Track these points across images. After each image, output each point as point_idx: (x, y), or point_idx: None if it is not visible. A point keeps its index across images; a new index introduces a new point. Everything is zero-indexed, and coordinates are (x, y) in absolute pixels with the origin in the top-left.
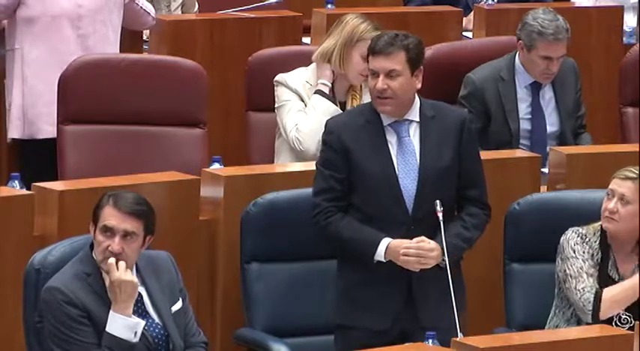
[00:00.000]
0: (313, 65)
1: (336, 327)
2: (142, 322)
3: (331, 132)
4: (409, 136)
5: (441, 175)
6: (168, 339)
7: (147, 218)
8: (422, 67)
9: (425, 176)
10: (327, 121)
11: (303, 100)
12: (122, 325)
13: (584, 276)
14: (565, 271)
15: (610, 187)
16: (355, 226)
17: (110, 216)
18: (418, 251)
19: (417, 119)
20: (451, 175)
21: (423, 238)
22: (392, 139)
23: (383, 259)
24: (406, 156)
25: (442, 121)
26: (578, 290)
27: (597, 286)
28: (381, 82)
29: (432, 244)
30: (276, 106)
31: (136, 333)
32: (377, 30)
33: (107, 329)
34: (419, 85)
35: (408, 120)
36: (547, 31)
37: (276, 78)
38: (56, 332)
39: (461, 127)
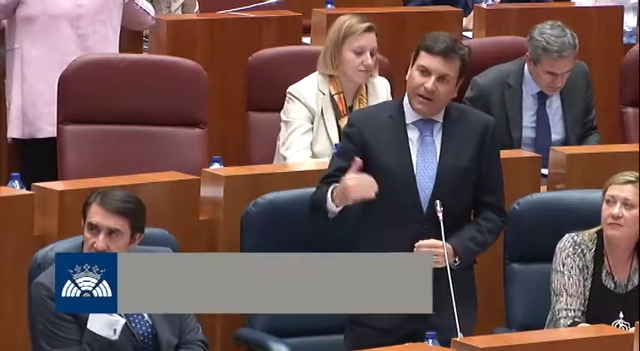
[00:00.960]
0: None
1: (347, 323)
2: (122, 320)
3: (353, 125)
4: (431, 135)
5: (459, 176)
6: (156, 336)
7: (133, 216)
8: (464, 77)
9: (443, 176)
10: (352, 113)
11: (313, 116)
12: (101, 322)
13: (564, 296)
14: (552, 283)
15: (609, 193)
16: (319, 189)
17: (95, 213)
18: (430, 250)
19: (441, 120)
20: (469, 178)
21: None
22: (414, 137)
23: (335, 208)
24: (426, 155)
25: (466, 123)
26: (557, 310)
27: (578, 312)
28: (432, 84)
29: (441, 243)
30: (283, 117)
31: (115, 330)
32: (363, 22)
33: (87, 326)
34: (455, 95)
35: (432, 120)
36: (552, 47)
37: (292, 91)
38: (42, 327)
39: (484, 131)
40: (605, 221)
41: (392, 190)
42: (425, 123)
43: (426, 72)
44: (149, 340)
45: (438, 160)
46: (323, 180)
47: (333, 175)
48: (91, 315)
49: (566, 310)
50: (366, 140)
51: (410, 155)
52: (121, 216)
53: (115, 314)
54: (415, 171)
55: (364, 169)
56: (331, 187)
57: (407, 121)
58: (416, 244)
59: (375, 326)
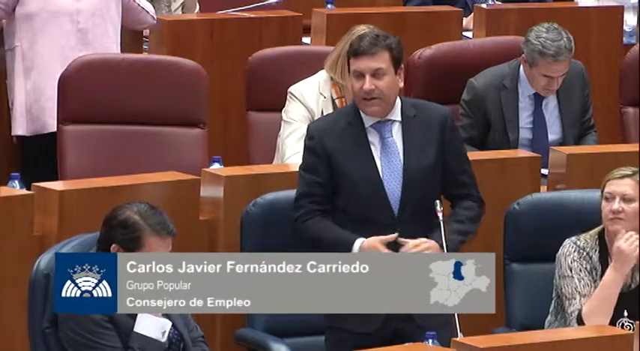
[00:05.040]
0: (323, 74)
1: (327, 328)
2: (169, 323)
3: (313, 137)
4: (392, 136)
5: (425, 174)
6: (182, 337)
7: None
8: (402, 66)
9: (409, 177)
10: (309, 125)
11: (313, 117)
12: (151, 324)
13: (577, 298)
14: (561, 289)
15: (607, 190)
16: (331, 228)
17: (158, 246)
18: (415, 250)
19: (399, 119)
20: (436, 174)
21: (408, 240)
22: (374, 140)
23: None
24: (390, 157)
25: (424, 119)
26: (568, 314)
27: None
28: (368, 83)
29: (423, 240)
30: (284, 117)
31: (164, 333)
32: None
33: (135, 329)
34: (401, 84)
35: (390, 120)
36: (548, 51)
37: (292, 90)
38: (79, 339)
39: (443, 124)
40: (606, 218)
41: (361, 197)
42: (383, 124)
43: (360, 75)
44: (178, 341)
45: (402, 160)
46: (302, 198)
47: (313, 193)
48: (138, 318)
49: (579, 309)
50: (328, 150)
51: (374, 160)
52: (172, 237)
53: (161, 317)
54: (381, 175)
55: (329, 180)
56: (358, 242)
57: (365, 125)
58: (401, 250)
59: (354, 330)
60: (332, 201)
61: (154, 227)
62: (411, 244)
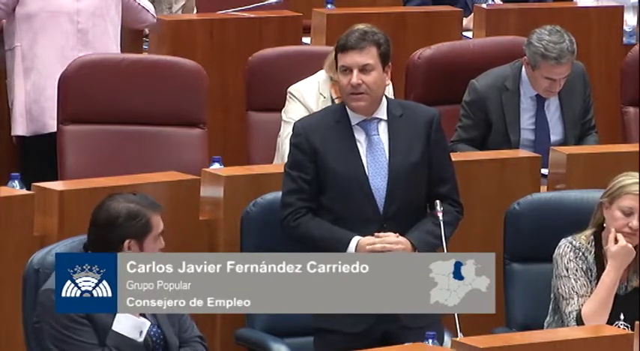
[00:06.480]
0: (322, 74)
1: (315, 331)
2: (148, 322)
3: (299, 134)
4: (378, 134)
5: (410, 172)
6: (165, 338)
7: None
8: (390, 64)
9: (395, 174)
10: (295, 122)
11: None
12: (129, 324)
13: (575, 298)
14: (558, 289)
15: (626, 204)
16: (325, 226)
17: (159, 223)
18: (384, 246)
19: (385, 117)
20: (421, 173)
21: (390, 233)
22: (361, 138)
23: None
24: (376, 155)
25: (410, 118)
26: (566, 314)
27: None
28: (355, 77)
29: (400, 238)
30: (284, 117)
31: (141, 332)
32: None
33: (113, 328)
34: (389, 82)
35: (376, 118)
36: (550, 54)
37: (292, 90)
38: (55, 334)
39: (429, 125)
40: (619, 229)
41: (347, 194)
42: (370, 122)
43: (347, 70)
44: (160, 341)
45: (387, 158)
46: (289, 195)
47: (300, 190)
48: (117, 317)
49: (577, 310)
50: (315, 147)
51: (360, 157)
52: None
53: (140, 316)
54: (367, 172)
55: (315, 177)
56: (355, 240)
57: (352, 123)
58: (367, 245)
59: (344, 331)
60: (318, 199)
61: (151, 207)
62: (380, 235)
